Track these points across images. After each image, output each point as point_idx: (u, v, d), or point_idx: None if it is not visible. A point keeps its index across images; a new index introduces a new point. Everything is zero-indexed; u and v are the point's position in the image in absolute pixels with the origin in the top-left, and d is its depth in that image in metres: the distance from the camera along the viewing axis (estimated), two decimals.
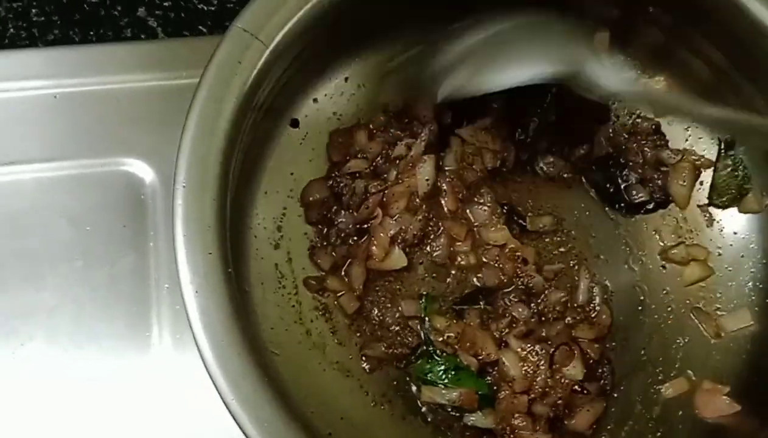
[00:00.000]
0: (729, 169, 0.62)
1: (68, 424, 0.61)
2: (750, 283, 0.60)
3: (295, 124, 0.61)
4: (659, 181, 0.62)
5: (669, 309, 0.61)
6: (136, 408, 0.61)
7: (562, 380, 0.56)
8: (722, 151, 0.62)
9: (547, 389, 0.55)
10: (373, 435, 0.57)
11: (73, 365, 0.62)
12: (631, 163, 0.62)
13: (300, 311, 0.59)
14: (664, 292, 0.61)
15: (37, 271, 0.63)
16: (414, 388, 0.58)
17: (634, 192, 0.62)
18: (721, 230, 0.62)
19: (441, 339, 0.58)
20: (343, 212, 0.60)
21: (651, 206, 0.62)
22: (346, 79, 0.62)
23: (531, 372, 0.56)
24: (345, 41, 0.60)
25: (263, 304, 0.57)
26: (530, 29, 0.55)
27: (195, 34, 0.71)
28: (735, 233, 0.62)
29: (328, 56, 0.60)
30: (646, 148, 0.62)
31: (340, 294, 0.60)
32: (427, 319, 0.59)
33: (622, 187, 0.62)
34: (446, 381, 0.57)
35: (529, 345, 0.56)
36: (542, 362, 0.56)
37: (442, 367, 0.57)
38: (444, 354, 0.58)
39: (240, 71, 0.50)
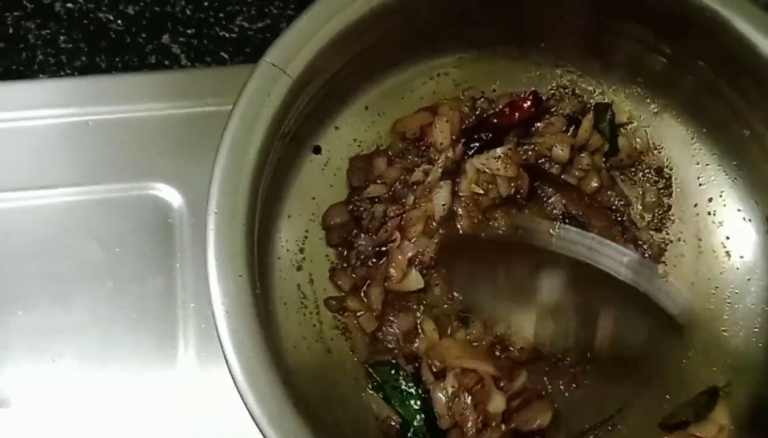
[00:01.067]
0: None
1: (96, 435, 0.63)
2: (753, 306, 0.62)
3: (317, 150, 0.63)
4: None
5: None
6: (162, 424, 0.63)
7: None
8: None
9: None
10: None
11: (102, 382, 0.64)
12: None
13: (321, 330, 0.61)
14: None
15: (67, 291, 0.66)
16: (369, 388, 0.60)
17: None
18: (728, 252, 0.64)
19: (414, 346, 0.60)
20: (362, 235, 0.63)
21: None
22: (366, 107, 0.64)
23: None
24: (366, 71, 0.62)
25: (286, 324, 0.59)
26: None
27: (216, 59, 0.74)
28: (741, 257, 0.64)
29: (350, 86, 0.63)
30: None
31: (359, 314, 0.62)
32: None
33: None
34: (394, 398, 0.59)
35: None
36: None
37: (400, 384, 0.59)
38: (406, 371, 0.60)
39: (268, 103, 0.53)
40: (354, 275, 0.62)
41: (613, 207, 0.64)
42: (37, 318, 0.65)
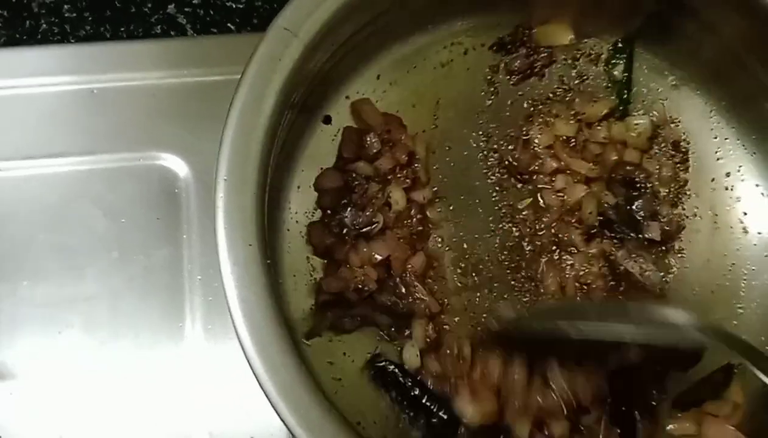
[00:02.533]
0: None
1: (103, 408, 0.62)
2: None
3: (328, 121, 0.62)
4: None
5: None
6: (168, 397, 0.63)
7: None
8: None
9: None
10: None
11: (109, 352, 0.63)
12: None
13: None
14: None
15: (75, 261, 0.65)
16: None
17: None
18: (745, 228, 0.63)
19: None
20: (349, 208, 0.60)
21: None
22: (378, 76, 0.63)
23: None
24: (379, 39, 0.61)
25: (295, 295, 0.59)
26: None
27: (223, 31, 0.72)
28: (759, 233, 0.62)
29: (362, 53, 0.61)
30: None
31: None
32: None
33: None
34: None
35: None
36: None
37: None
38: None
39: (280, 68, 0.51)
40: (327, 241, 0.60)
41: (635, 180, 0.63)
42: (44, 288, 0.64)
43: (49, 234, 0.65)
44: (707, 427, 0.58)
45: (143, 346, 0.64)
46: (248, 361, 0.47)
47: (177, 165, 0.67)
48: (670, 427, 0.58)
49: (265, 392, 0.47)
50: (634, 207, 0.62)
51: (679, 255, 0.63)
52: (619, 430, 0.57)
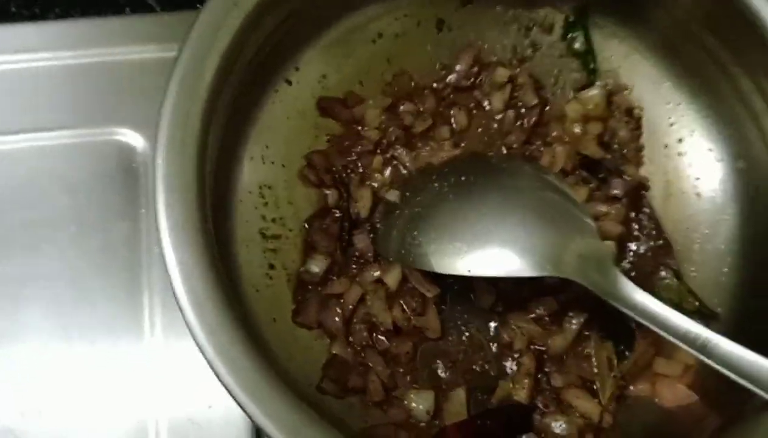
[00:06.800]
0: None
1: (63, 382, 0.63)
2: (723, 246, 0.61)
3: (281, 85, 0.62)
4: None
5: None
6: (127, 367, 0.63)
7: None
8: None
9: None
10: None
11: (70, 327, 0.64)
12: None
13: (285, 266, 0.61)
14: None
15: (34, 237, 0.66)
16: None
17: None
18: (698, 193, 0.63)
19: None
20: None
21: None
22: (328, 47, 0.63)
23: None
24: (327, 9, 0.61)
25: (247, 267, 0.59)
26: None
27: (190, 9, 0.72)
28: (712, 197, 0.62)
29: (312, 24, 0.61)
30: None
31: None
32: None
33: None
34: None
35: None
36: None
37: None
38: None
39: (220, 36, 0.52)
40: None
41: (604, 140, 0.63)
42: (5, 265, 0.65)
43: (6, 210, 0.66)
44: (660, 387, 0.58)
45: (104, 319, 0.64)
46: (187, 324, 0.47)
47: (135, 140, 0.67)
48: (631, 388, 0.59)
49: (203, 354, 0.47)
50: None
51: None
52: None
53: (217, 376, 0.47)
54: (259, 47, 0.56)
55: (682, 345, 0.50)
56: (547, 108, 0.65)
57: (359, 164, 0.63)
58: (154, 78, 0.67)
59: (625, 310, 0.52)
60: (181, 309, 0.47)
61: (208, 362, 0.47)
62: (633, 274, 0.61)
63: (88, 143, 0.67)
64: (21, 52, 0.68)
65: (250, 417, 0.46)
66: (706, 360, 0.49)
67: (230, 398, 0.60)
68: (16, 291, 0.65)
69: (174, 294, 0.47)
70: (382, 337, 0.59)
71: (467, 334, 0.60)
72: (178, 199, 0.49)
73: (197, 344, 0.47)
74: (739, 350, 0.49)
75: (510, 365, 0.59)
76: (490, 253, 0.55)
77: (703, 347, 0.49)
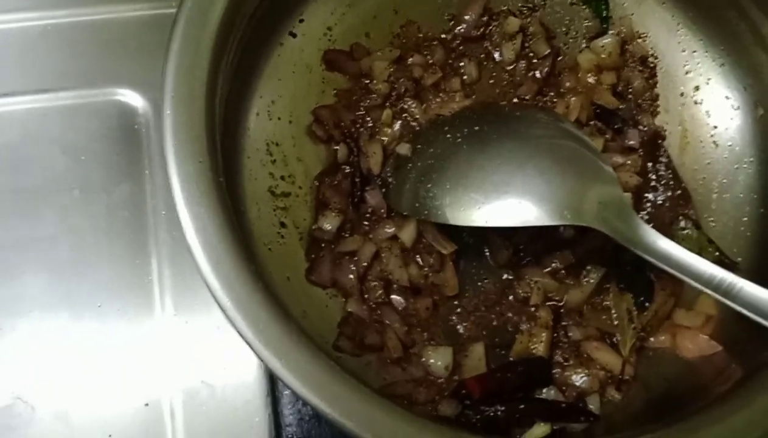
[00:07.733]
0: None
1: (68, 346, 0.61)
2: (742, 195, 0.60)
3: (286, 38, 0.60)
4: None
5: None
6: (139, 331, 0.61)
7: None
8: None
9: None
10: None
11: (74, 293, 0.62)
12: None
13: (297, 224, 0.59)
14: None
15: (34, 201, 0.64)
16: None
17: None
18: (715, 141, 0.62)
19: None
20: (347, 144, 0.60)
21: None
22: None
23: None
24: None
25: (258, 224, 0.57)
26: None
27: None
28: (729, 145, 0.61)
29: None
30: None
31: None
32: None
33: None
34: None
35: None
36: None
37: None
38: None
39: None
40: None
41: (618, 90, 0.62)
42: (6, 231, 0.63)
43: (6, 175, 0.64)
44: (681, 339, 0.57)
45: (109, 284, 0.62)
46: (202, 277, 0.46)
47: (135, 100, 0.65)
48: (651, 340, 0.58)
49: (221, 308, 0.46)
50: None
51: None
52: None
53: (237, 330, 0.45)
54: None
55: (706, 290, 0.49)
56: (560, 58, 0.64)
57: (368, 118, 0.62)
58: (151, 35, 0.66)
59: (647, 257, 0.51)
60: (196, 264, 0.46)
61: (227, 317, 0.45)
62: (651, 225, 0.59)
63: (87, 104, 0.65)
64: (10, 12, 0.66)
65: (271, 371, 0.44)
66: (731, 304, 0.48)
67: (243, 359, 0.60)
68: (15, 256, 0.63)
69: (189, 248, 0.46)
70: (398, 296, 0.58)
71: (483, 289, 0.59)
72: (188, 151, 0.47)
73: (215, 299, 0.45)
74: (764, 293, 0.48)
75: (527, 320, 0.58)
76: (507, 203, 0.53)
77: (728, 292, 0.49)
